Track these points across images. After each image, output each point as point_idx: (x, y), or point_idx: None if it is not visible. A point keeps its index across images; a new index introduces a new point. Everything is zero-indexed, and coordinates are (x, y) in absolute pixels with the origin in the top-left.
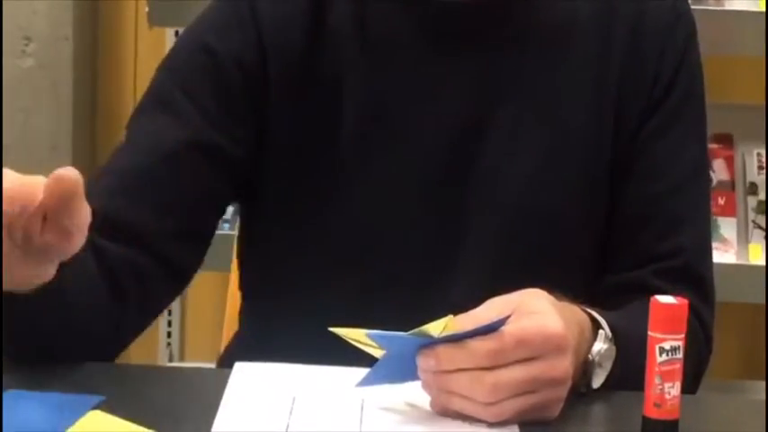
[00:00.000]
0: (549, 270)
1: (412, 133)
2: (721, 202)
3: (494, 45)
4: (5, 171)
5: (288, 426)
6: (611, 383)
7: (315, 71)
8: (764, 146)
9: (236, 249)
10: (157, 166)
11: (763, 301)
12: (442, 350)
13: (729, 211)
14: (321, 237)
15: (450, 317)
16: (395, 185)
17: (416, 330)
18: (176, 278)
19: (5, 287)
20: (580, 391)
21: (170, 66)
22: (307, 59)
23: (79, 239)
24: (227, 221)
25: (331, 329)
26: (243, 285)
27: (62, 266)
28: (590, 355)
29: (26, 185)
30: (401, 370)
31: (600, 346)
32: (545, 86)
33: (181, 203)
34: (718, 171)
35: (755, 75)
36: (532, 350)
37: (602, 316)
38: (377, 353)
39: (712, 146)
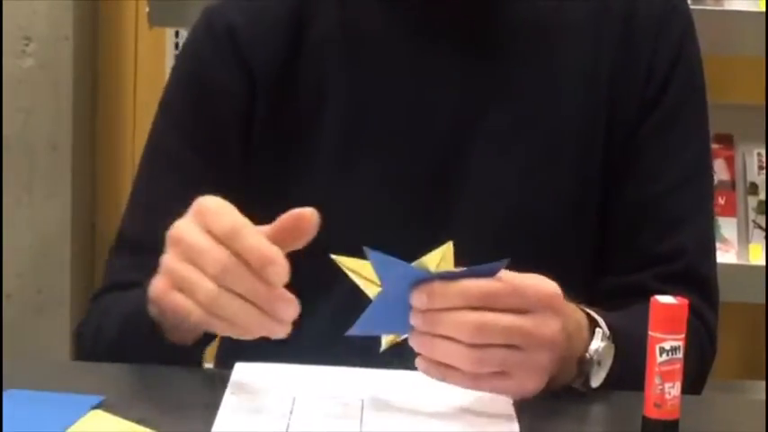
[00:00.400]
0: (540, 270)
1: (398, 135)
2: (722, 201)
3: (481, 45)
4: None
5: (288, 426)
6: (610, 382)
7: (298, 78)
8: (765, 146)
9: None
10: None
11: (763, 301)
12: (436, 285)
13: (730, 211)
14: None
15: (449, 244)
16: (381, 189)
17: (415, 263)
18: None
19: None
20: (580, 391)
21: (168, 111)
22: (289, 69)
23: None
24: None
25: (332, 256)
26: None
27: None
28: (588, 354)
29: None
30: (394, 315)
31: (598, 344)
32: (534, 86)
33: None
34: (719, 171)
35: (755, 75)
36: (525, 302)
37: (600, 315)
38: (372, 290)
39: (712, 146)
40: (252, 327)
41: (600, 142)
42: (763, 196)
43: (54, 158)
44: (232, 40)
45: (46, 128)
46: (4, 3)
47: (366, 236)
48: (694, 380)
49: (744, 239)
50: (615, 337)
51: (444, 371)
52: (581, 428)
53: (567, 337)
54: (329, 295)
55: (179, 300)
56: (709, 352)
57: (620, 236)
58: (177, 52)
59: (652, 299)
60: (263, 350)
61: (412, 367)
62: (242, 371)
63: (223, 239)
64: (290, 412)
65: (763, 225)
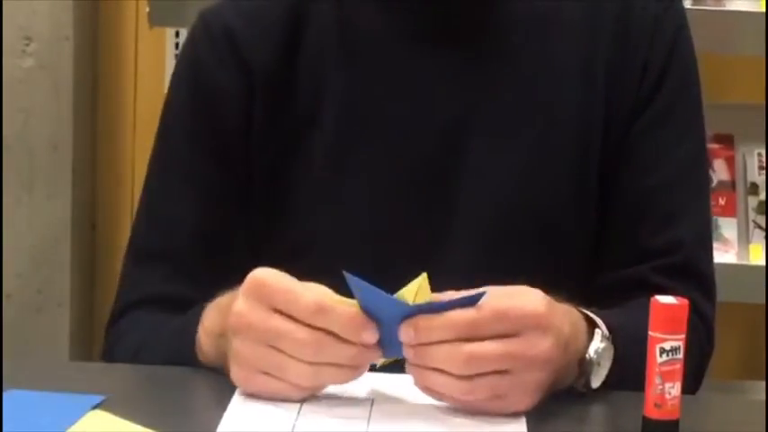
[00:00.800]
0: (538, 267)
1: (395, 135)
2: (722, 202)
3: (478, 44)
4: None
5: (294, 426)
6: (611, 382)
7: (296, 78)
8: (765, 146)
9: None
10: (199, 242)
11: (763, 301)
12: (420, 320)
13: (730, 211)
14: (307, 238)
15: (424, 276)
16: (380, 185)
17: (395, 295)
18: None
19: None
20: (580, 391)
21: (172, 117)
22: (287, 69)
23: None
24: None
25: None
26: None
27: None
28: (587, 354)
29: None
30: (385, 340)
31: (597, 344)
32: (531, 84)
33: (227, 256)
34: (719, 171)
35: (755, 75)
36: (510, 325)
37: (599, 315)
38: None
39: (713, 146)
40: (346, 381)
41: (597, 139)
42: (763, 196)
43: (54, 158)
44: (230, 42)
45: (46, 128)
46: (4, 3)
47: (365, 234)
48: (692, 376)
49: (744, 239)
50: (615, 336)
51: (440, 397)
52: (581, 428)
53: (564, 347)
54: None
55: (270, 384)
56: (707, 347)
57: (618, 230)
58: (177, 54)
59: (652, 299)
60: None
61: None
62: None
63: (308, 318)
64: (298, 412)
65: (763, 225)
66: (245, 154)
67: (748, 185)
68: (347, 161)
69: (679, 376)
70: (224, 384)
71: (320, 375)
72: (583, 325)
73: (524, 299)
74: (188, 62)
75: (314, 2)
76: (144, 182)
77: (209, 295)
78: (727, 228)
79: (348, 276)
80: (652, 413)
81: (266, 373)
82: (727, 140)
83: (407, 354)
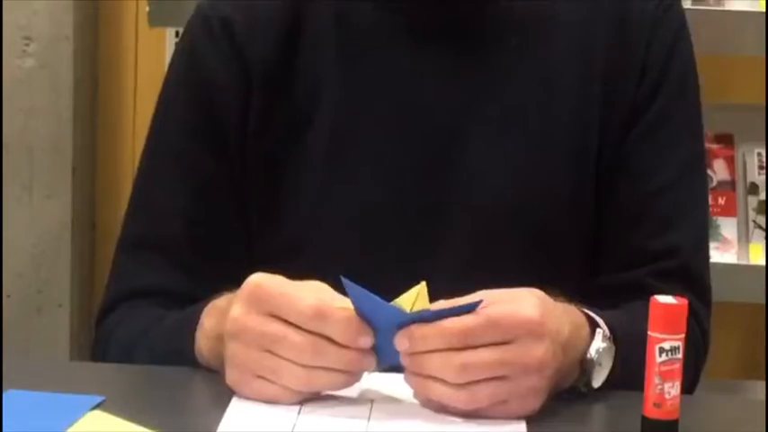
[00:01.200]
0: (534, 269)
1: (391, 132)
2: (722, 202)
3: (474, 43)
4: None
5: (294, 426)
6: (612, 382)
7: (293, 74)
8: (765, 146)
9: None
10: (191, 232)
11: (763, 301)
12: (415, 329)
13: (730, 211)
14: (302, 237)
15: (423, 284)
16: (375, 185)
17: (391, 303)
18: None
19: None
20: (580, 391)
21: (167, 107)
22: (284, 64)
23: None
24: None
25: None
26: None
27: None
28: (588, 354)
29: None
30: (386, 350)
31: (598, 344)
32: (527, 83)
33: (220, 248)
34: (719, 171)
35: (755, 75)
36: (505, 333)
37: (600, 315)
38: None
39: (712, 146)
40: (341, 388)
41: (594, 140)
42: (763, 196)
43: (54, 158)
44: (228, 34)
45: (46, 128)
46: (4, 3)
47: (360, 232)
48: (688, 379)
49: (744, 239)
50: (615, 336)
51: (441, 407)
52: (581, 428)
53: (561, 350)
54: None
55: (265, 388)
56: (702, 350)
57: (615, 234)
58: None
59: (652, 299)
60: None
61: None
62: None
63: (305, 323)
64: (298, 412)
65: (764, 225)
66: (241, 147)
67: (748, 185)
68: (342, 159)
69: (678, 376)
70: (224, 384)
71: (315, 380)
72: (584, 324)
73: (519, 305)
74: (185, 53)
75: (313, 5)
76: (136, 171)
77: (202, 288)
78: (727, 227)
79: (345, 282)
80: (651, 413)
81: (261, 377)
82: (727, 140)
83: (405, 362)
